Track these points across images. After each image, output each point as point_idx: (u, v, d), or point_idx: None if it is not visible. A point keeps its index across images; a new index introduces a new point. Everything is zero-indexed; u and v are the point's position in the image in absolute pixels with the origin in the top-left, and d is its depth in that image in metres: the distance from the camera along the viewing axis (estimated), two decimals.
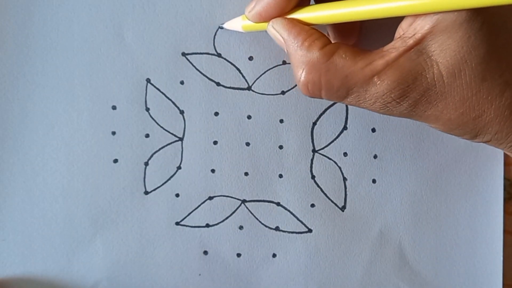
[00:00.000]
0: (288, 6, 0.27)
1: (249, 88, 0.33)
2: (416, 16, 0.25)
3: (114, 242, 0.33)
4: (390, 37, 0.27)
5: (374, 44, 0.27)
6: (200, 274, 0.33)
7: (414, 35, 0.25)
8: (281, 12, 0.27)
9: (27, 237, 0.33)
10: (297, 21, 0.27)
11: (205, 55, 0.33)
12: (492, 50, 0.24)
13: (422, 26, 0.24)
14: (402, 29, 0.26)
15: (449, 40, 0.24)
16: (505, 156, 0.34)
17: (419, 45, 0.25)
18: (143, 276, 0.33)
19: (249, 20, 0.29)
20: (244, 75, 0.33)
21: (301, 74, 0.26)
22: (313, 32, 0.27)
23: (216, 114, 0.33)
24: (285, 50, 0.28)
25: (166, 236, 0.33)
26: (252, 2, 0.28)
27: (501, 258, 0.34)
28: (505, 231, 0.34)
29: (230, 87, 0.33)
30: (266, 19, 0.28)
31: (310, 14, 0.27)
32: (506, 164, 0.34)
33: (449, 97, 0.25)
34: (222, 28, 0.32)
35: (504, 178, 0.34)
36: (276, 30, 0.27)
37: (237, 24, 0.31)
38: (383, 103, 0.26)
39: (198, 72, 0.33)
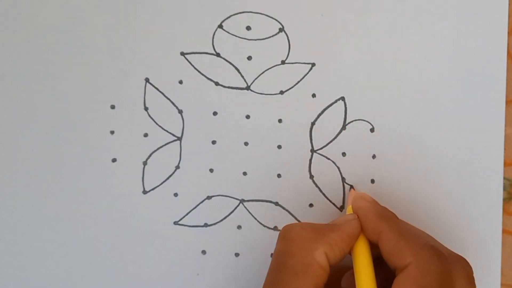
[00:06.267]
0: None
1: (248, 88, 0.33)
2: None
3: (114, 242, 0.33)
4: None
5: None
6: (198, 274, 0.33)
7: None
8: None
9: (27, 237, 0.33)
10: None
11: (204, 54, 0.33)
12: None
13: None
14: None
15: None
16: (505, 156, 0.33)
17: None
18: (142, 275, 0.33)
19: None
20: (243, 74, 0.33)
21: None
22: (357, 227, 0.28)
23: (215, 113, 0.33)
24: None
25: (165, 235, 0.33)
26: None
27: (500, 258, 0.34)
28: (504, 231, 0.34)
29: (229, 87, 0.33)
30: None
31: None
32: (506, 164, 0.34)
33: None
34: None
35: (504, 178, 0.34)
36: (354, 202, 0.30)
37: (350, 201, 0.32)
38: None
39: (197, 72, 0.33)
